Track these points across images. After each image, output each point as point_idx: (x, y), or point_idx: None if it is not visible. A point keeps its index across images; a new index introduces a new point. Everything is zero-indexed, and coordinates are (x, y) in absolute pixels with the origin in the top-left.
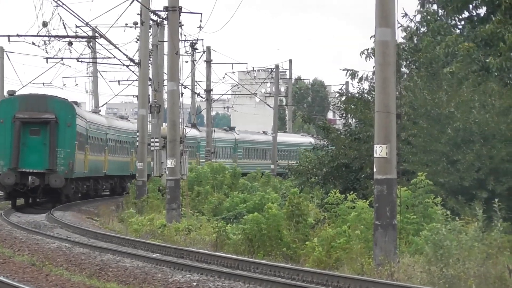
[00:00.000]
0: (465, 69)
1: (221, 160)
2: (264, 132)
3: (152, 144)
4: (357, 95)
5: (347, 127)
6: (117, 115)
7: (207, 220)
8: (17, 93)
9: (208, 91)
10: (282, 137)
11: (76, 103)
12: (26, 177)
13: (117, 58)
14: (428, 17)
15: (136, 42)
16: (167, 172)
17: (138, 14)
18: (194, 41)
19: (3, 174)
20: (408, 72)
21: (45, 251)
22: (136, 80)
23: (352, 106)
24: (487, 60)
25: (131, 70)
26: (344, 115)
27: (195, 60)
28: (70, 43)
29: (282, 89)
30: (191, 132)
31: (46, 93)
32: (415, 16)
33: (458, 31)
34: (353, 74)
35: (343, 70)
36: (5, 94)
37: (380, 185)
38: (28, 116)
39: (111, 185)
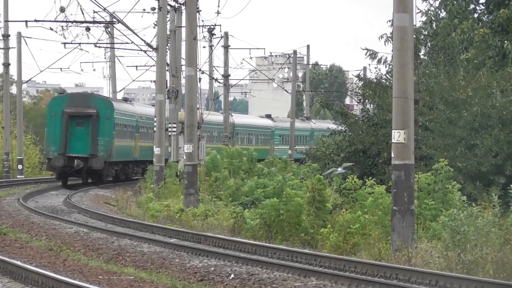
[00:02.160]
0: (481, 55)
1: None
2: (302, 119)
3: (169, 129)
4: (375, 80)
5: (365, 112)
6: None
7: (225, 205)
8: (34, 80)
9: (226, 76)
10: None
11: (126, 99)
12: (73, 160)
13: (134, 44)
14: (447, 1)
15: (154, 27)
16: (184, 158)
17: None
18: (212, 27)
19: (54, 158)
20: (426, 58)
21: (62, 236)
22: (153, 66)
23: (370, 92)
24: (504, 46)
25: (148, 56)
26: (362, 100)
27: (213, 46)
28: (87, 29)
29: (300, 74)
30: (263, 121)
31: (89, 91)
32: (435, 0)
33: (476, 15)
34: (372, 54)
35: (364, 49)
36: (55, 93)
37: (398, 171)
38: (74, 110)
39: (142, 169)
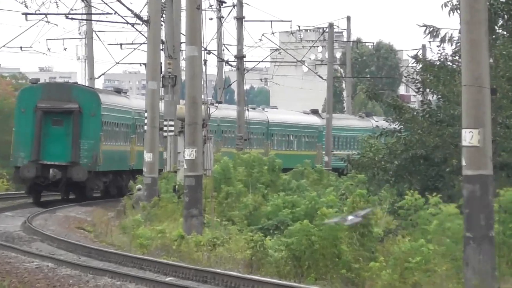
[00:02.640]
0: None
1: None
2: (361, 116)
3: (165, 128)
4: (438, 62)
5: (426, 105)
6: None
7: (239, 231)
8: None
9: (240, 57)
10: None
11: (119, 91)
12: (48, 169)
13: (118, 14)
14: None
15: None
16: (184, 166)
17: None
18: None
19: (23, 167)
20: (505, 33)
21: (19, 273)
22: (144, 44)
23: (432, 78)
24: None
25: (137, 30)
26: (421, 89)
27: (223, 17)
28: None
29: (338, 55)
30: (308, 118)
31: (62, 80)
32: None
33: None
34: (433, 32)
35: (421, 26)
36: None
37: (471, 184)
38: (50, 105)
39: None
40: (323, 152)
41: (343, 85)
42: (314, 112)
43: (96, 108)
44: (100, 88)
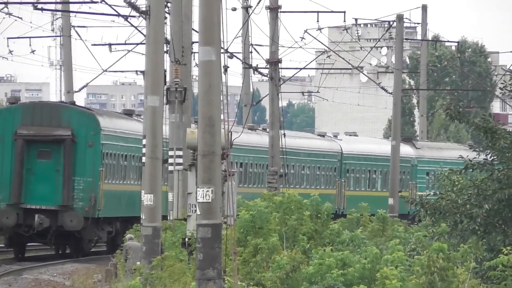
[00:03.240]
0: None
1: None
2: (471, 145)
3: (170, 160)
4: None
5: None
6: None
7: None
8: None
9: (274, 62)
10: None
11: (130, 113)
12: (32, 216)
13: (106, 3)
14: None
15: None
16: (198, 212)
17: None
18: None
19: (1, 212)
20: None
21: None
22: (142, 44)
23: None
24: None
25: (132, 25)
26: None
27: (250, 7)
28: None
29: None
30: (403, 149)
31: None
32: None
33: None
34: None
35: None
36: (5, 103)
37: None
38: (34, 132)
39: None
40: (415, 192)
41: (414, 101)
42: (407, 140)
43: (95, 135)
44: (102, 109)
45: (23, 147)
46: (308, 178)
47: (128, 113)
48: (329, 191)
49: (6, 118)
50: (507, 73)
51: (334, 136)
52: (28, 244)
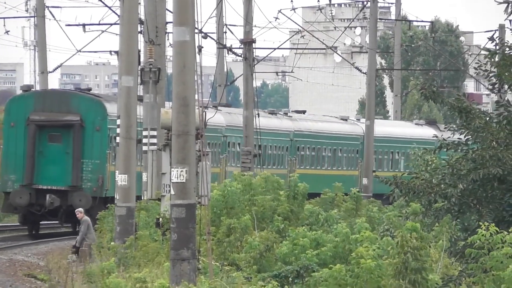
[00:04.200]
0: None
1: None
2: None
3: (144, 140)
4: None
5: (503, 107)
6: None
7: (246, 280)
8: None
9: (248, 42)
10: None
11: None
12: (44, 195)
13: None
14: None
15: None
16: (172, 192)
17: None
18: None
19: (14, 192)
20: None
21: None
22: (116, 24)
23: None
24: None
25: (106, 6)
26: (496, 86)
27: None
28: None
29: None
30: (420, 131)
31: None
32: None
33: None
34: None
35: (500, 3)
36: (18, 90)
37: None
38: (45, 118)
39: None
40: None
41: (384, 81)
42: (431, 123)
43: (102, 120)
44: (109, 95)
45: (35, 131)
46: (330, 160)
47: (139, 99)
48: (352, 172)
49: (19, 105)
50: (482, 53)
51: (357, 119)
52: (42, 222)
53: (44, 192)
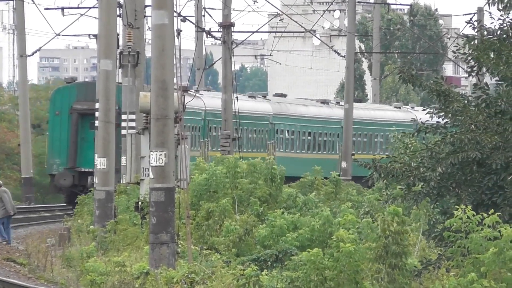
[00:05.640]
0: None
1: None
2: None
3: (123, 124)
4: (498, 32)
5: (481, 90)
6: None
7: (225, 264)
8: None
9: (227, 26)
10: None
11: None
12: (86, 177)
13: None
14: None
15: None
16: (151, 176)
17: None
18: None
19: (59, 174)
20: None
21: None
22: (94, 8)
23: (491, 55)
24: None
25: None
26: (475, 69)
27: None
28: None
29: (358, 24)
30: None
31: None
32: None
33: None
34: None
35: None
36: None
37: None
38: (88, 107)
39: None
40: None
41: (364, 66)
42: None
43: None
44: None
45: (78, 119)
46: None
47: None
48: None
49: (63, 95)
50: (460, 36)
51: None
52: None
53: (86, 174)
